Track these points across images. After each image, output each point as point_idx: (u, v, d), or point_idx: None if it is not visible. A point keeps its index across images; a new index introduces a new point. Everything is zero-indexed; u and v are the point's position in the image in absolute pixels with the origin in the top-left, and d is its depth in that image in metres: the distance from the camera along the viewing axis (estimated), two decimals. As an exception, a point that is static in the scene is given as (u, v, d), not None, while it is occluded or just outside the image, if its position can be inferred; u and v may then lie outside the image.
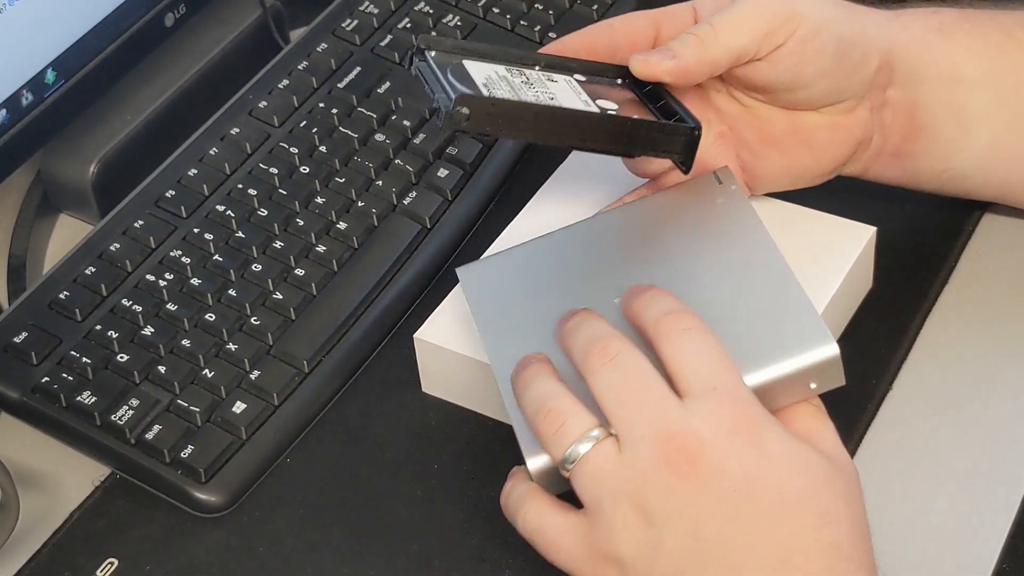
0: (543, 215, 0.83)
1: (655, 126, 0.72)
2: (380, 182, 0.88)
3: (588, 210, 0.82)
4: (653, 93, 0.75)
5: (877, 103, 0.77)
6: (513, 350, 0.68)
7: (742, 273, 0.70)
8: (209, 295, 0.82)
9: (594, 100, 0.72)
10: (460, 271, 0.76)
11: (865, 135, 0.78)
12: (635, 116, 0.72)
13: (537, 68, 0.74)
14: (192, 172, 0.88)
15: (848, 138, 0.77)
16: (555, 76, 0.74)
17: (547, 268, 0.74)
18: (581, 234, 0.76)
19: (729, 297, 0.69)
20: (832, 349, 0.66)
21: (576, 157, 0.86)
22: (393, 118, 0.92)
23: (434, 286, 0.85)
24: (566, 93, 0.72)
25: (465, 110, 0.67)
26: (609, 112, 0.72)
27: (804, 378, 0.66)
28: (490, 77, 0.71)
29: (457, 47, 0.73)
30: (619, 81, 0.75)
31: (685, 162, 0.73)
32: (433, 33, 0.97)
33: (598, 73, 0.75)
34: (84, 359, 0.79)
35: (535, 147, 0.93)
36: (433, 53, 0.72)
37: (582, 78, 0.75)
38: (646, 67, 0.72)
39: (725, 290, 0.70)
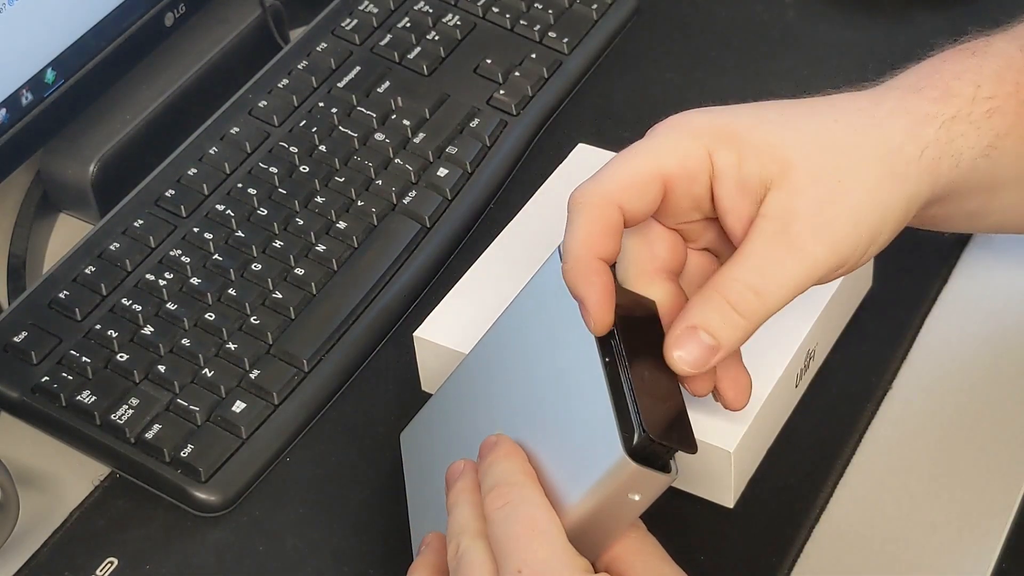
0: (543, 215, 0.83)
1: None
2: (380, 182, 0.88)
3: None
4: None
5: None
6: (432, 519, 0.69)
7: (565, 380, 0.64)
8: (209, 295, 0.82)
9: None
10: (402, 437, 0.76)
11: None
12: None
13: None
14: (192, 172, 0.88)
15: None
16: None
17: (461, 412, 0.71)
18: (486, 355, 0.70)
19: (551, 415, 0.64)
20: (615, 455, 0.59)
21: (575, 156, 0.86)
22: (393, 118, 0.92)
23: (433, 285, 0.85)
24: None
25: None
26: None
27: (618, 493, 0.60)
28: None
29: None
30: None
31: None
32: (434, 33, 0.97)
33: None
34: (84, 359, 0.79)
35: (535, 146, 0.93)
36: None
37: None
38: (686, 365, 0.62)
39: (550, 406, 0.64)
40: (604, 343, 0.63)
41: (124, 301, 0.82)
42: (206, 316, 0.81)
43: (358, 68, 0.95)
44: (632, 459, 0.59)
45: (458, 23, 0.98)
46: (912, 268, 0.83)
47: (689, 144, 0.64)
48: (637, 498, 0.60)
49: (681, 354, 0.62)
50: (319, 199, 0.87)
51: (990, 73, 0.68)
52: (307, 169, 0.89)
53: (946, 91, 0.67)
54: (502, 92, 0.94)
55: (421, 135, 0.91)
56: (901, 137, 0.65)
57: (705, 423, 0.71)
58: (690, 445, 0.60)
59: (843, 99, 0.68)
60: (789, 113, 0.66)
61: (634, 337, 0.63)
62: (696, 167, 0.64)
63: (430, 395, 0.80)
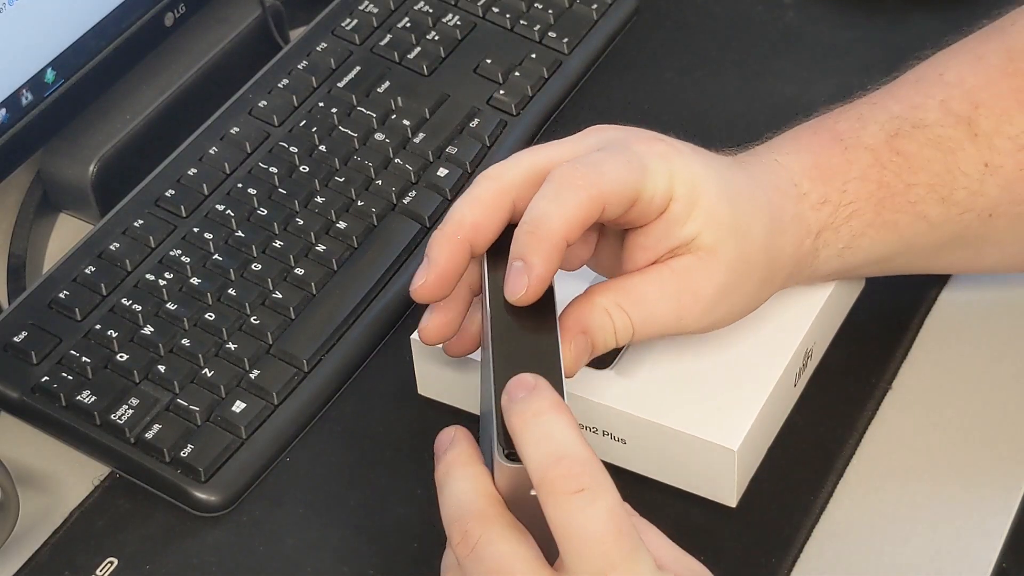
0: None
1: None
2: (380, 181, 0.88)
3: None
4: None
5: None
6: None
7: (487, 376, 0.64)
8: (209, 295, 0.82)
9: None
10: None
11: None
12: None
13: None
14: (192, 171, 0.88)
15: None
16: None
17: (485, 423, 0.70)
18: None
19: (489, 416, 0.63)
20: (496, 457, 0.59)
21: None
22: (393, 117, 0.92)
23: (434, 286, 0.85)
24: None
25: None
26: None
27: (518, 493, 0.60)
28: None
29: None
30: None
31: None
32: (434, 33, 0.97)
33: None
34: (84, 358, 0.79)
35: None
36: None
37: None
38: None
39: (489, 407, 0.63)
40: (497, 326, 0.64)
41: (124, 301, 0.82)
42: (206, 316, 0.81)
43: (358, 68, 0.95)
44: (510, 460, 0.59)
45: (458, 23, 0.98)
46: (912, 268, 0.83)
47: (664, 184, 0.68)
48: (532, 493, 0.58)
49: (571, 357, 0.67)
50: (319, 199, 0.87)
51: (857, 175, 0.73)
52: (307, 169, 0.89)
53: (822, 198, 0.72)
54: (502, 92, 0.94)
55: (421, 135, 0.91)
56: (791, 248, 0.72)
57: (708, 422, 0.72)
58: None
59: (770, 184, 0.72)
60: (737, 188, 0.70)
61: (525, 314, 0.65)
62: (657, 203, 0.68)
63: (426, 398, 0.80)
